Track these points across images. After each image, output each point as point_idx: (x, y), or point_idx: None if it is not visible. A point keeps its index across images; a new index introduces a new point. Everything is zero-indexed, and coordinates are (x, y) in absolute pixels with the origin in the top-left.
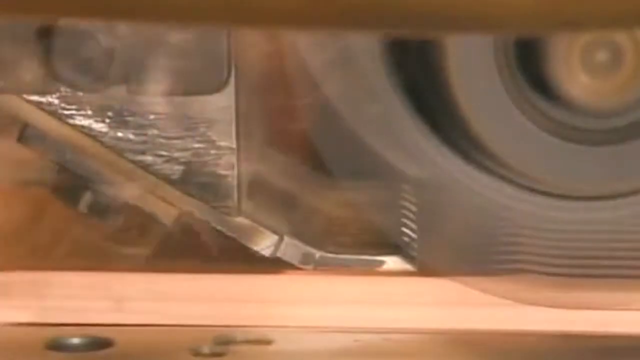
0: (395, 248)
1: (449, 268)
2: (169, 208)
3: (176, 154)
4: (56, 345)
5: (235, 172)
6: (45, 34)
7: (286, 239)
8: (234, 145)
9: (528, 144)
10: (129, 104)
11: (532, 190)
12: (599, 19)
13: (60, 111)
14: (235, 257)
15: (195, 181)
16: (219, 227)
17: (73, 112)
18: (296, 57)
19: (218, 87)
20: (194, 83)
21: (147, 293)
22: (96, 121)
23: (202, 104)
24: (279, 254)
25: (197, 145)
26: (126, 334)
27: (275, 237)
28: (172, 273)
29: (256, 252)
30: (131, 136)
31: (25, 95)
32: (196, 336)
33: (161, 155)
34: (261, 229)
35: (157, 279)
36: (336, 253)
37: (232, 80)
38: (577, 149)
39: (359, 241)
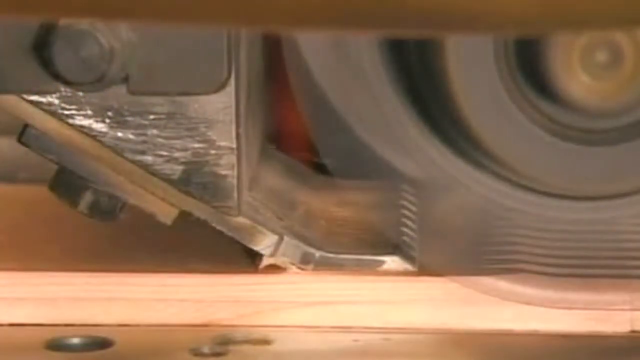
0: (395, 248)
1: (449, 268)
2: (169, 208)
3: (176, 154)
4: (56, 345)
5: (235, 172)
6: (45, 34)
7: (286, 239)
8: (234, 145)
9: (528, 144)
10: (129, 104)
11: (532, 190)
12: (600, 19)
13: (60, 111)
14: (235, 257)
15: (195, 181)
16: (219, 227)
17: (73, 112)
18: (297, 57)
19: (218, 87)
20: (194, 83)
21: (147, 293)
22: (96, 121)
23: (202, 104)
24: (279, 254)
25: (197, 145)
26: (126, 334)
27: (275, 237)
28: (171, 273)
29: (256, 252)
30: (131, 136)
31: (25, 95)
32: (196, 336)
33: (161, 155)
34: (261, 229)
35: (156, 279)
36: (336, 253)
37: (232, 80)
38: (577, 149)
39: (359, 241)
